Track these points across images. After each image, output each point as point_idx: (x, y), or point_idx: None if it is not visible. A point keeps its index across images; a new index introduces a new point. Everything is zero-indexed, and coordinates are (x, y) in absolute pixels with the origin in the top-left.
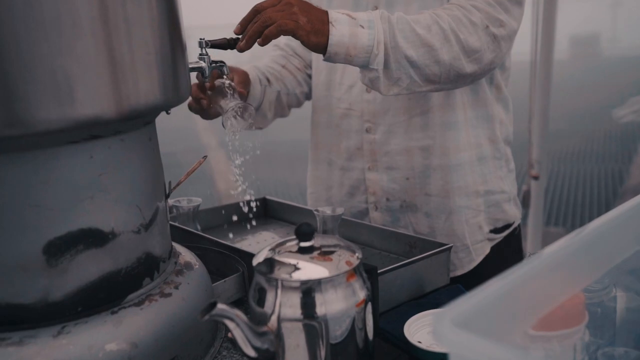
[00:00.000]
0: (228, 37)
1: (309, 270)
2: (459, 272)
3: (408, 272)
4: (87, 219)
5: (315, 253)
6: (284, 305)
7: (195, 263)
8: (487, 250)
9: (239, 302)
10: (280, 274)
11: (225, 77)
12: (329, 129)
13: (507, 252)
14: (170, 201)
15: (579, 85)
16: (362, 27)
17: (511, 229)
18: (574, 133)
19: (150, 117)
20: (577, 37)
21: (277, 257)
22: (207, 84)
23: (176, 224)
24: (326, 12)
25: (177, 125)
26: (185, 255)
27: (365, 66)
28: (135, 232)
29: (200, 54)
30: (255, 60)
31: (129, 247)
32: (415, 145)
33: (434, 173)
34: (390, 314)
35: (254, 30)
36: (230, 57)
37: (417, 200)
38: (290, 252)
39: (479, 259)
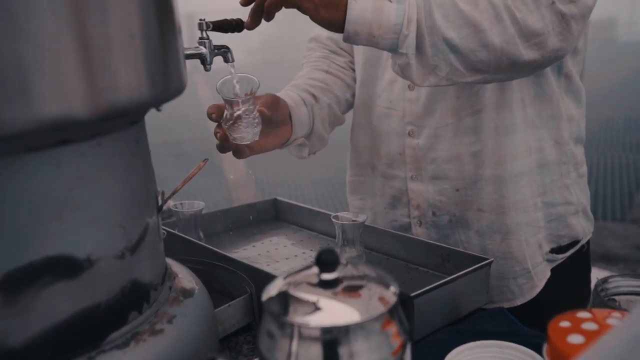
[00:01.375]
0: (230, 18)
1: (333, 312)
2: (519, 301)
3: (444, 292)
4: (55, 245)
5: (340, 287)
6: (302, 358)
7: (195, 286)
8: (548, 274)
9: (247, 328)
10: (296, 316)
11: (230, 67)
12: (369, 130)
13: (570, 276)
14: (170, 203)
15: (596, 70)
16: (390, 0)
17: (577, 247)
18: (591, 120)
19: (136, 116)
20: (593, 21)
21: (292, 292)
22: (214, 115)
23: (175, 231)
24: None
25: (184, 112)
26: (183, 276)
27: (393, 50)
28: (118, 258)
29: (200, 38)
30: (266, 47)
31: (110, 276)
32: (467, 151)
33: (486, 185)
34: (425, 344)
35: (256, 4)
36: (237, 41)
37: (468, 216)
38: (310, 284)
39: (541, 284)
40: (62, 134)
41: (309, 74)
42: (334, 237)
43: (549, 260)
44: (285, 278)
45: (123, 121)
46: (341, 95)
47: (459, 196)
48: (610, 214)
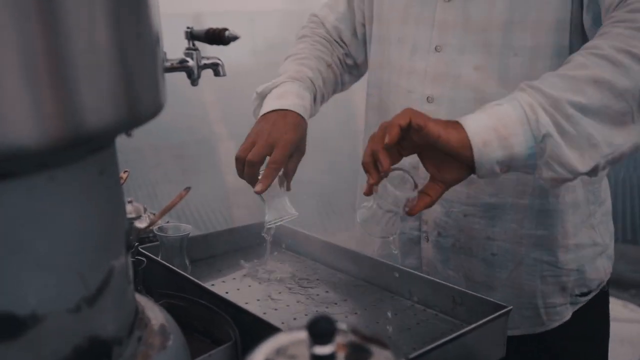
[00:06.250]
0: (215, 27)
1: None
2: (517, 332)
3: (458, 347)
4: None
5: None
6: None
7: (169, 334)
8: (568, 316)
9: None
10: None
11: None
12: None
13: (590, 312)
14: (158, 222)
15: None
16: (499, 104)
17: (601, 286)
18: None
19: (101, 143)
20: None
21: None
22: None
23: (158, 258)
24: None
25: (188, 113)
26: (157, 321)
27: (534, 140)
28: (73, 311)
29: (187, 49)
30: (273, 48)
31: (61, 334)
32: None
33: (503, 214)
34: None
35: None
36: (244, 44)
37: (472, 244)
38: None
39: (552, 324)
40: (1, 165)
41: (317, 64)
42: (339, 270)
43: (572, 303)
44: (268, 347)
45: (83, 149)
46: (327, 96)
47: (465, 222)
48: (620, 235)
